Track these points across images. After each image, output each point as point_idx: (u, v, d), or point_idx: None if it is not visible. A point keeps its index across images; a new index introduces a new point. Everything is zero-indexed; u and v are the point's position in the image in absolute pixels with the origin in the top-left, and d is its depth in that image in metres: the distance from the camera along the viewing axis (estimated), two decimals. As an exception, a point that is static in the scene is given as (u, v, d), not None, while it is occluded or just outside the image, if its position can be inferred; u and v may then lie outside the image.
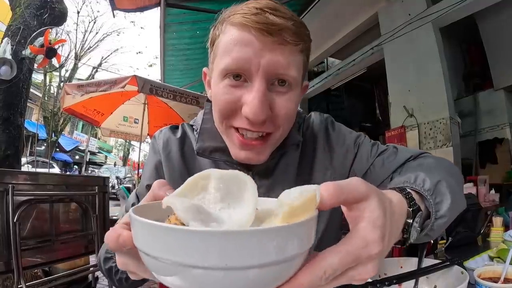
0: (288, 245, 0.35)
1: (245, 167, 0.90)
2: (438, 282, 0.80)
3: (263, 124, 0.77)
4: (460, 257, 0.86)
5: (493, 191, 3.61)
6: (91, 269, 3.62)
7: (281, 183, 0.91)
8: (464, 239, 1.55)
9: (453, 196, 0.65)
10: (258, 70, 0.73)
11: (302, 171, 0.97)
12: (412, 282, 0.78)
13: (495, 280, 0.77)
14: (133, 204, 0.91)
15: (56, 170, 11.64)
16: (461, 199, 0.72)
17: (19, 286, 2.50)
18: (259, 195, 0.60)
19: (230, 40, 0.75)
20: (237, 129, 0.80)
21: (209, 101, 0.99)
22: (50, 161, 13.38)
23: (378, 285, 0.65)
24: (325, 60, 9.49)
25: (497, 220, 1.60)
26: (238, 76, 0.76)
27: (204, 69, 0.94)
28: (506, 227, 1.59)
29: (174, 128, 1.03)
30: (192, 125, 1.02)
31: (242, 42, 0.73)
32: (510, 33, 5.58)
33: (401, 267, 0.84)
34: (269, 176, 0.93)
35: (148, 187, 0.89)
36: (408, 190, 0.59)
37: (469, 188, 3.56)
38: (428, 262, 0.82)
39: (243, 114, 0.76)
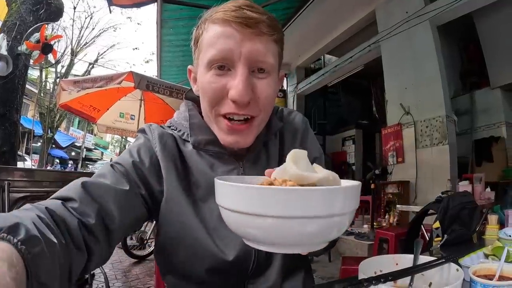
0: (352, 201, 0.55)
1: (235, 158, 0.96)
2: (433, 279, 0.80)
3: (247, 106, 0.84)
4: (456, 254, 0.86)
5: (488, 189, 3.63)
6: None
7: (268, 166, 0.95)
8: (459, 236, 1.55)
9: None
10: (240, 58, 0.82)
11: (279, 162, 1.02)
12: (407, 279, 0.78)
13: (490, 277, 0.78)
14: (84, 184, 0.77)
15: (28, 163, 11.35)
16: None
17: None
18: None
19: (213, 35, 0.83)
20: (224, 116, 0.86)
21: (188, 99, 1.07)
22: (23, 154, 13.18)
23: (373, 282, 0.65)
24: (322, 57, 9.51)
25: (493, 218, 1.61)
26: (222, 66, 0.83)
27: (189, 66, 1.01)
28: (501, 225, 1.59)
29: (162, 127, 1.02)
30: (169, 126, 1.03)
31: (224, 35, 0.82)
32: (507, 32, 5.60)
33: (397, 264, 0.84)
34: (256, 166, 0.99)
35: (135, 165, 0.88)
36: None
37: (465, 186, 3.58)
38: (423, 259, 0.82)
39: (230, 98, 0.83)
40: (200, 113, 1.00)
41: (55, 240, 0.57)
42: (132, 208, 0.84)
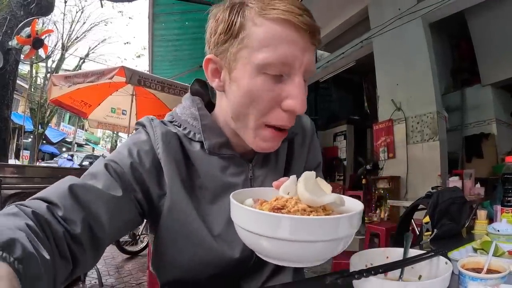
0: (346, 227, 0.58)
1: (246, 159, 0.94)
2: (423, 271, 0.82)
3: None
4: (445, 248, 0.88)
5: (478, 185, 3.67)
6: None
7: (274, 173, 0.97)
8: (449, 231, 1.57)
9: None
10: (301, 68, 0.77)
11: (288, 163, 1.04)
12: (397, 272, 0.79)
13: (478, 270, 0.79)
14: (71, 188, 0.70)
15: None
16: None
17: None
18: (257, 185, 0.91)
19: (272, 35, 0.75)
20: (269, 125, 0.82)
21: (194, 94, 0.98)
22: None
23: (364, 274, 0.67)
24: (314, 52, 9.50)
25: (482, 213, 1.63)
26: (280, 73, 0.77)
27: (211, 56, 0.86)
28: (490, 220, 1.61)
29: (164, 123, 0.94)
30: (171, 121, 0.96)
31: (288, 39, 0.75)
32: (498, 29, 5.65)
33: (387, 257, 0.85)
34: (265, 167, 0.97)
35: (133, 166, 0.81)
36: None
37: (455, 181, 3.62)
38: (413, 252, 0.83)
39: (287, 108, 0.78)
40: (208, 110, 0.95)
41: (47, 257, 0.54)
42: (124, 215, 0.80)
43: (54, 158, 19.09)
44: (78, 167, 14.02)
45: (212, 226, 0.87)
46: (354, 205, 0.68)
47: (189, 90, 1.01)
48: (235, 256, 0.88)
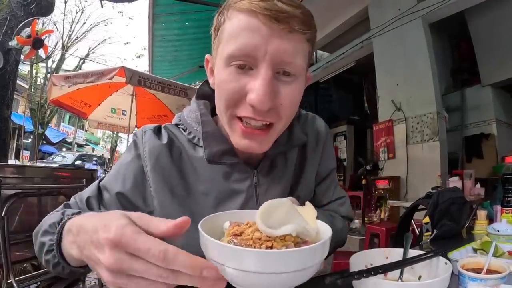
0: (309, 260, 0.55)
1: (250, 165, 0.92)
2: (422, 272, 0.82)
3: (267, 112, 0.76)
4: (445, 248, 0.88)
5: (478, 185, 3.66)
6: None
7: (280, 180, 0.96)
8: (449, 231, 1.57)
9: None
10: (265, 57, 0.72)
11: (298, 170, 1.02)
12: (397, 272, 0.79)
13: (478, 271, 0.79)
14: (87, 199, 0.88)
15: None
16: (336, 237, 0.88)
17: (8, 281, 2.47)
18: (262, 191, 0.90)
19: (236, 26, 0.74)
20: (240, 118, 0.79)
21: (200, 98, 0.98)
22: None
23: (364, 275, 0.67)
24: (315, 52, 9.50)
25: (482, 214, 1.62)
26: (243, 64, 0.74)
27: (207, 56, 0.90)
28: (490, 220, 1.61)
29: (157, 132, 0.94)
30: (177, 125, 0.97)
31: (249, 28, 0.72)
32: (499, 30, 5.64)
33: (387, 257, 0.85)
34: (271, 173, 0.95)
35: (120, 195, 0.87)
36: None
37: (455, 182, 3.61)
38: (413, 253, 0.84)
39: (248, 102, 0.74)
40: (213, 112, 0.93)
41: None
42: None
43: (48, 158, 18.92)
44: (94, 168, 14.04)
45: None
46: (323, 232, 0.65)
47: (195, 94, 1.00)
48: None
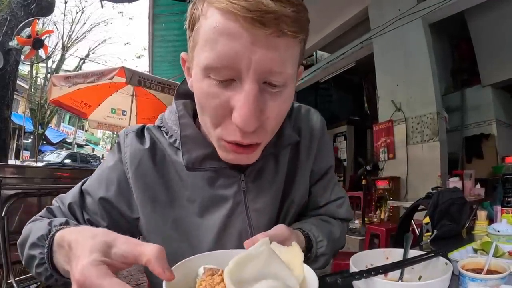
0: None
1: (237, 170, 0.84)
2: (423, 272, 0.81)
3: (253, 133, 0.66)
4: (445, 249, 0.88)
5: (478, 186, 3.66)
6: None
7: (271, 185, 0.89)
8: (449, 231, 1.57)
9: (328, 243, 0.89)
10: (249, 69, 0.60)
11: (291, 171, 0.94)
12: (397, 273, 0.79)
13: (478, 271, 0.79)
14: (69, 205, 0.84)
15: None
16: (335, 246, 0.98)
17: (8, 281, 2.47)
18: (251, 197, 0.85)
19: (213, 28, 0.60)
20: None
21: (180, 97, 0.90)
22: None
23: (364, 275, 0.67)
24: (314, 53, 9.50)
25: (482, 214, 1.63)
26: (223, 79, 0.63)
27: (183, 54, 0.78)
28: (490, 221, 1.61)
29: (140, 136, 0.87)
30: (159, 127, 0.89)
31: (228, 33, 0.59)
32: (498, 30, 5.64)
33: (387, 258, 0.85)
34: (261, 177, 0.87)
35: (103, 200, 0.82)
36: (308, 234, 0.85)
37: (455, 182, 3.61)
38: (413, 253, 0.83)
39: (233, 121, 0.64)
40: (194, 114, 0.85)
41: None
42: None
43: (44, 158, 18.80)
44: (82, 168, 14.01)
45: (200, 243, 0.82)
46: (309, 282, 0.55)
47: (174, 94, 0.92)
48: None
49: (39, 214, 0.84)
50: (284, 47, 0.62)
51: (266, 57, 0.60)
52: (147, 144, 0.85)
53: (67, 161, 16.91)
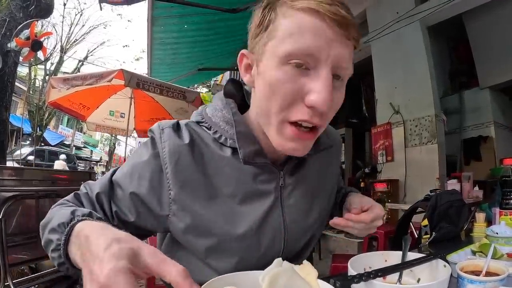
0: None
1: (278, 166, 0.90)
2: (421, 275, 0.82)
3: (321, 115, 0.76)
4: (443, 251, 0.88)
5: (477, 188, 3.67)
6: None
7: (304, 184, 0.96)
8: (447, 234, 1.57)
9: None
10: (327, 60, 0.72)
11: (324, 173, 1.04)
12: (396, 275, 0.79)
13: (476, 273, 0.79)
14: (98, 195, 0.85)
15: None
16: None
17: (6, 283, 2.46)
18: (286, 193, 0.93)
19: (298, 24, 0.71)
20: (291, 122, 0.77)
21: (226, 94, 0.95)
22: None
23: (363, 278, 0.66)
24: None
25: (480, 216, 1.63)
26: (301, 63, 0.72)
27: (244, 51, 0.85)
28: (488, 223, 1.62)
29: (178, 131, 0.88)
30: (199, 122, 0.92)
31: (314, 29, 0.71)
32: (496, 32, 5.66)
33: (386, 260, 0.85)
34: (296, 174, 0.94)
35: (134, 195, 0.83)
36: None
37: (453, 184, 3.62)
38: (412, 256, 0.84)
39: (309, 103, 0.73)
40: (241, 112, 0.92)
41: None
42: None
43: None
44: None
45: (237, 238, 0.85)
46: None
47: (222, 90, 0.98)
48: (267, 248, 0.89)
49: (66, 198, 0.86)
50: (350, 49, 0.76)
51: (340, 53, 0.73)
52: (187, 140, 0.85)
53: (31, 157, 16.33)
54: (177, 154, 0.83)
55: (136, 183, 0.84)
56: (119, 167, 0.91)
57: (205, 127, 0.90)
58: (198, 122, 0.91)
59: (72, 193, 0.87)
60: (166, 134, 0.85)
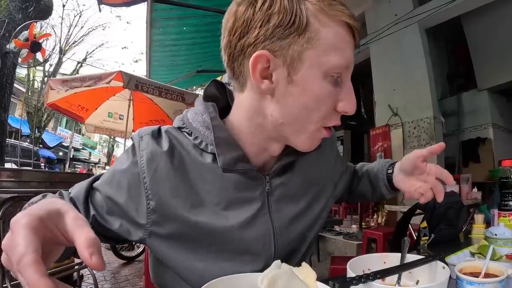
0: None
1: (262, 172, 0.87)
2: (420, 276, 0.81)
3: None
4: (442, 253, 0.88)
5: (475, 189, 3.68)
6: (76, 267, 3.57)
7: (292, 188, 0.93)
8: (446, 235, 1.57)
9: None
10: (350, 71, 0.78)
11: (310, 176, 0.98)
12: (395, 277, 0.79)
13: (475, 275, 0.79)
14: (73, 199, 0.83)
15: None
16: None
17: (4, 285, 2.46)
18: (273, 199, 0.89)
19: (339, 38, 0.73)
20: (324, 127, 0.81)
21: (207, 100, 0.89)
22: None
23: (362, 280, 0.66)
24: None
25: (479, 217, 1.63)
26: (340, 76, 0.76)
27: (264, 52, 0.71)
28: (487, 224, 1.62)
29: (157, 138, 0.85)
30: (180, 128, 0.88)
31: (350, 43, 0.75)
32: (494, 35, 5.68)
33: (385, 262, 0.85)
34: (283, 181, 0.91)
35: (111, 201, 0.81)
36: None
37: (452, 186, 3.62)
38: (410, 257, 0.83)
39: (342, 110, 0.78)
40: (220, 115, 0.87)
41: None
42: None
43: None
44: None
45: (223, 244, 0.84)
46: None
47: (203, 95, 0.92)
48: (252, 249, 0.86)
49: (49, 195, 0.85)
50: None
51: (353, 62, 0.79)
52: (165, 146, 0.82)
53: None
54: (155, 162, 0.80)
55: (114, 191, 0.82)
56: (102, 174, 0.89)
57: (186, 132, 0.86)
58: (179, 128, 0.88)
59: (57, 192, 0.86)
60: (144, 141, 0.83)
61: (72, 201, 0.83)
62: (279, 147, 0.87)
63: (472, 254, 1.04)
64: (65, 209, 0.52)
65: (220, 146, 0.80)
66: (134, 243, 5.78)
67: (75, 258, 3.76)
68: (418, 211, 2.51)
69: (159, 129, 0.87)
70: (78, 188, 0.85)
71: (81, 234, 0.47)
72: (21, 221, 0.46)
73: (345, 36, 0.73)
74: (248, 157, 0.84)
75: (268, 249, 0.88)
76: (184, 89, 6.85)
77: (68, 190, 0.88)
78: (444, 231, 1.58)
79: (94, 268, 0.45)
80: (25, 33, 5.49)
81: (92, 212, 0.82)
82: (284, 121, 0.78)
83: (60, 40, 20.22)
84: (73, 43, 21.40)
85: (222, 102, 0.93)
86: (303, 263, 0.66)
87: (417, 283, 0.81)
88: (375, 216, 5.70)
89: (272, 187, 0.88)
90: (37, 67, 17.90)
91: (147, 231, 0.81)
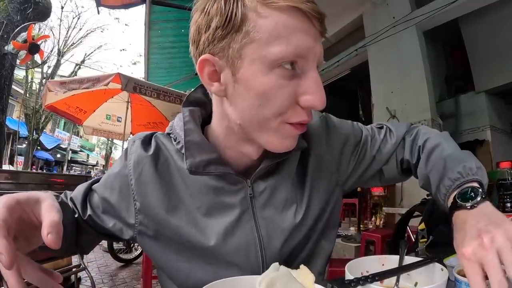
0: None
1: (243, 176, 0.85)
2: (419, 278, 0.81)
3: (310, 112, 0.75)
4: (441, 254, 0.88)
5: (473, 191, 3.67)
6: (73, 269, 3.57)
7: (280, 191, 0.89)
8: (445, 237, 1.57)
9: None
10: (314, 59, 0.72)
11: (301, 178, 0.93)
12: (393, 279, 0.79)
13: (474, 277, 0.79)
14: (72, 199, 0.91)
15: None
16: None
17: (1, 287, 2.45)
18: (259, 204, 0.86)
19: (282, 25, 0.66)
20: (290, 123, 0.74)
21: (189, 105, 0.89)
22: None
23: (360, 282, 0.66)
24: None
25: (477, 220, 1.63)
26: (292, 65, 0.69)
27: (207, 56, 0.73)
28: (485, 226, 1.62)
29: (146, 143, 0.89)
30: (169, 134, 0.90)
31: (301, 28, 0.68)
32: (492, 37, 5.69)
33: (383, 264, 0.85)
34: (268, 184, 0.87)
35: (106, 202, 0.87)
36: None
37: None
38: (409, 259, 0.83)
39: (305, 105, 0.71)
40: (208, 119, 0.88)
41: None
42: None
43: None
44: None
45: (202, 251, 0.83)
46: None
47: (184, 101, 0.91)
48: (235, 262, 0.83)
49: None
50: (321, 44, 0.75)
51: (321, 51, 0.73)
52: (151, 151, 0.86)
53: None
54: (141, 165, 0.85)
55: (108, 192, 0.88)
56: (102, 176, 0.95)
57: (173, 138, 0.88)
58: (168, 133, 0.91)
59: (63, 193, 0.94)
60: (135, 146, 0.88)
61: (72, 200, 0.91)
62: (254, 149, 0.84)
63: (470, 256, 1.03)
64: (43, 197, 0.61)
65: (190, 149, 0.80)
66: (131, 245, 5.80)
67: (73, 261, 3.76)
68: (417, 213, 2.52)
69: (152, 135, 0.92)
70: (79, 190, 0.92)
71: (48, 217, 0.57)
72: (1, 201, 0.56)
73: (291, 22, 0.67)
74: (226, 161, 0.84)
75: (254, 260, 0.84)
76: (182, 92, 6.86)
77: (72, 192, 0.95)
78: (442, 233, 1.58)
79: (48, 245, 0.54)
80: (24, 35, 5.49)
81: (89, 211, 0.88)
82: (241, 122, 0.76)
83: (59, 42, 20.17)
84: (72, 45, 21.34)
85: (210, 106, 0.90)
86: (302, 266, 0.66)
87: (415, 285, 0.81)
88: (373, 218, 5.70)
89: (255, 192, 0.86)
90: (35, 69, 17.86)
91: (136, 230, 0.86)
